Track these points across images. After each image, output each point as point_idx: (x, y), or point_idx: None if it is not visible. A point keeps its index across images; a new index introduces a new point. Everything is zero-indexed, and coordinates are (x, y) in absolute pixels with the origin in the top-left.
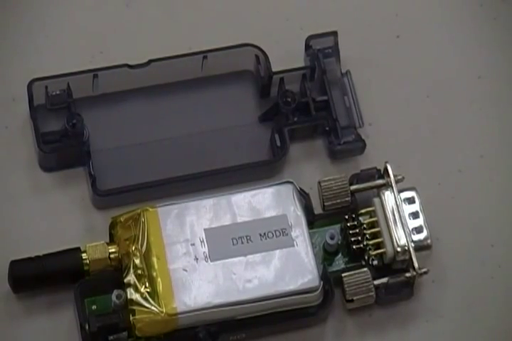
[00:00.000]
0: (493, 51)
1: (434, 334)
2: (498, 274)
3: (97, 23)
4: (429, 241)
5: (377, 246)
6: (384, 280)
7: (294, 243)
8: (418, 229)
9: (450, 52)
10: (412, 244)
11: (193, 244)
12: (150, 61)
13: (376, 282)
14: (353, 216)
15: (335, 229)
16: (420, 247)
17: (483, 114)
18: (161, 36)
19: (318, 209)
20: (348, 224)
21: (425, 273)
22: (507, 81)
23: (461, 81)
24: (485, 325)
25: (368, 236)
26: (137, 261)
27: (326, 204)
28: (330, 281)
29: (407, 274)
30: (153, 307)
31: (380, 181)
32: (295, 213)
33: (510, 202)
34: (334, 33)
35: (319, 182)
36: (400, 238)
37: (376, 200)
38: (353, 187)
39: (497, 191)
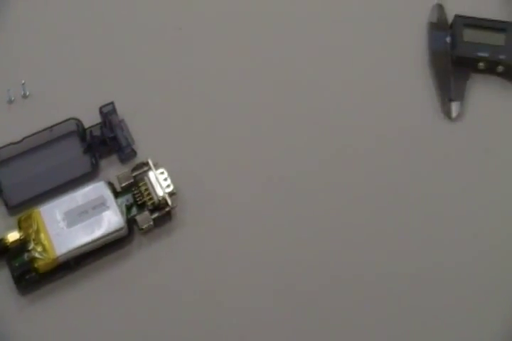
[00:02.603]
0: None
1: (195, 238)
2: (225, 204)
3: None
4: (174, 191)
5: (150, 199)
6: (156, 214)
7: (110, 208)
8: (168, 186)
9: None
10: (166, 195)
11: (58, 222)
12: (24, 138)
13: (152, 216)
14: (136, 188)
15: (129, 195)
16: (170, 194)
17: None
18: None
19: (119, 189)
20: (135, 192)
21: (175, 207)
22: None
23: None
24: (218, 229)
25: (145, 196)
26: (33, 236)
27: (121, 185)
28: (131, 222)
29: (167, 209)
30: (45, 256)
31: (146, 168)
32: (107, 194)
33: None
34: (112, 103)
35: (117, 176)
36: (160, 192)
37: (146, 178)
38: (134, 174)
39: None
